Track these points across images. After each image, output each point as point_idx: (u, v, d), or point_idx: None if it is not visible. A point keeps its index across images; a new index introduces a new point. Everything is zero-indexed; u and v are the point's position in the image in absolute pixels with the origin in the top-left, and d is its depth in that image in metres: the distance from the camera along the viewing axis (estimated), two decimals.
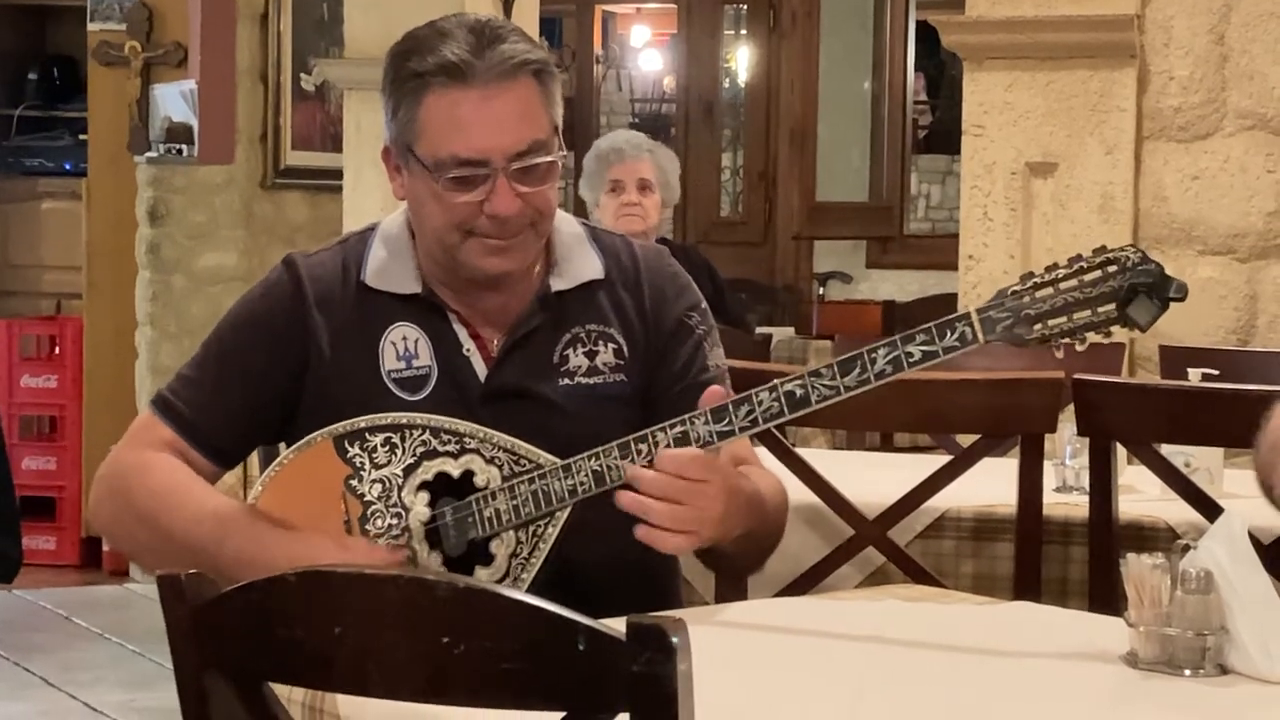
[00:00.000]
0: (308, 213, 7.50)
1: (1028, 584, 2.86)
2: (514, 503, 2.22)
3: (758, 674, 1.94)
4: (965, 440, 3.10)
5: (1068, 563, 2.97)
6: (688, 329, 2.42)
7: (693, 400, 2.24)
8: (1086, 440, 2.94)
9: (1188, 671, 1.87)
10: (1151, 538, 2.89)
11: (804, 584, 2.87)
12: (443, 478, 2.25)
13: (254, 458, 2.64)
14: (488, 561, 2.24)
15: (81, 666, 5.93)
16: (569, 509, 2.21)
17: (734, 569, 2.54)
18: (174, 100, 7.43)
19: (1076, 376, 2.91)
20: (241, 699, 1.57)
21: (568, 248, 2.40)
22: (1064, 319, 2.03)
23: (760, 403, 2.14)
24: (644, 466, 2.15)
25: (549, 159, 2.30)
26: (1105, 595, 2.76)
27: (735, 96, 10.62)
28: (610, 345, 2.39)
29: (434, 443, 2.25)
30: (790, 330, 8.17)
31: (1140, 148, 4.73)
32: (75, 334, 7.65)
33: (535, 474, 2.21)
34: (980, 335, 2.06)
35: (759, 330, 6.33)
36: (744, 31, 10.40)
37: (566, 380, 2.36)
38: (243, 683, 1.57)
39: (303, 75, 7.32)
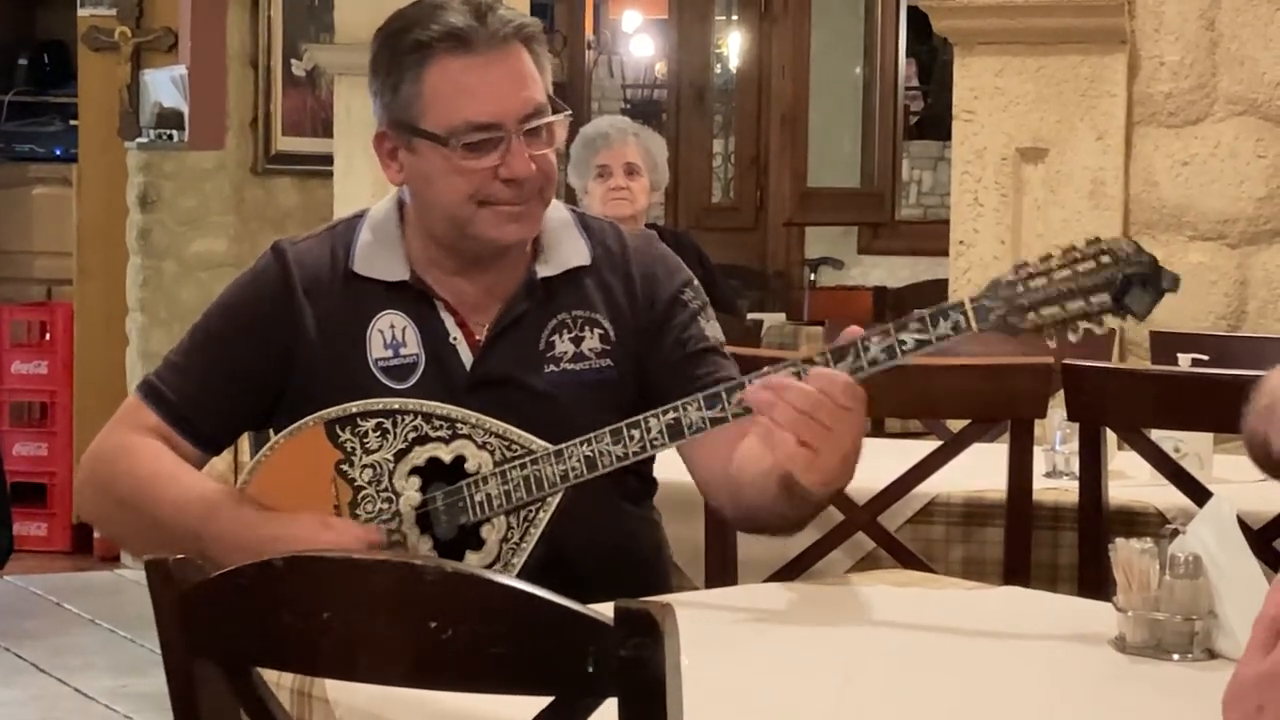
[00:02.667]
0: (298, 198, 7.50)
1: (1017, 569, 2.86)
2: (505, 487, 2.22)
3: (747, 659, 1.94)
4: (955, 425, 3.10)
5: (1057, 548, 2.98)
6: (682, 303, 2.43)
7: (692, 371, 2.25)
8: (1076, 425, 2.94)
9: (1176, 656, 1.88)
10: (1141, 523, 2.90)
11: (794, 569, 2.86)
12: (434, 463, 2.25)
13: (244, 443, 2.64)
14: (478, 546, 2.24)
15: (72, 652, 5.93)
16: (560, 494, 2.21)
17: (797, 521, 2.37)
18: (164, 86, 7.42)
19: (1066, 362, 2.91)
20: (230, 684, 1.57)
21: (555, 234, 2.41)
22: (1057, 308, 2.03)
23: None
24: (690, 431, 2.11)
25: (556, 118, 2.32)
26: (1094, 580, 2.76)
27: (726, 82, 10.62)
28: (596, 331, 2.38)
29: (426, 428, 2.25)
30: (781, 316, 8.18)
31: (1131, 133, 4.72)
32: (66, 320, 7.64)
33: (527, 459, 2.22)
34: (974, 324, 2.05)
35: (750, 316, 6.34)
36: (735, 17, 10.39)
37: (552, 367, 2.36)
38: (231, 667, 1.57)
39: (293, 60, 7.31)
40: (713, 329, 2.44)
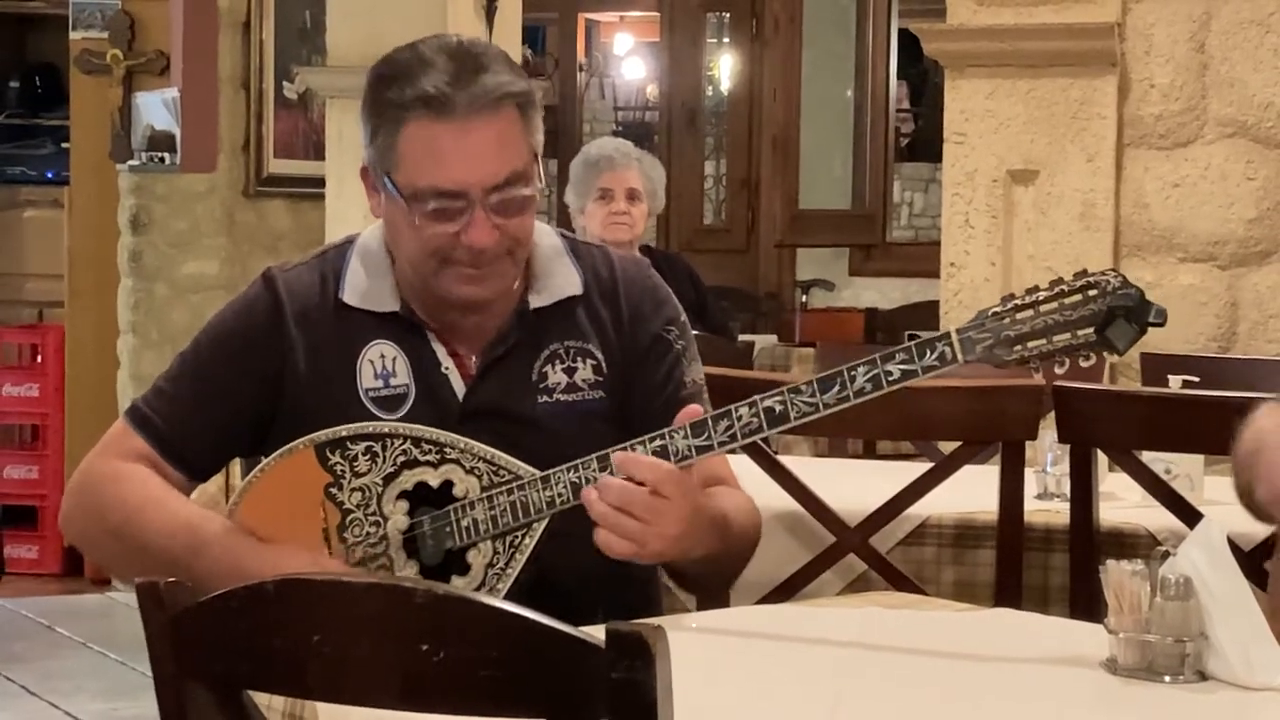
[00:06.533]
0: (290, 221, 7.49)
1: (1009, 591, 2.86)
2: (492, 513, 2.22)
3: (738, 681, 1.94)
4: (947, 447, 3.11)
5: (1048, 569, 2.98)
6: (665, 344, 2.42)
7: (671, 415, 2.24)
8: (1067, 447, 2.95)
9: (1167, 678, 1.88)
10: (1132, 544, 2.90)
11: (785, 591, 2.87)
12: (422, 487, 2.25)
13: (236, 467, 2.64)
14: (464, 571, 2.24)
15: (63, 675, 5.91)
16: (546, 520, 2.21)
17: (696, 587, 2.53)
18: (156, 108, 7.42)
19: (1057, 384, 2.91)
20: (220, 707, 1.57)
21: (547, 262, 2.40)
22: (1043, 341, 2.05)
23: (740, 418, 2.14)
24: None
25: (527, 192, 2.28)
26: (1086, 602, 2.76)
27: (718, 104, 10.63)
28: (589, 361, 2.38)
29: (414, 452, 2.25)
30: (773, 338, 8.17)
31: (1121, 155, 4.74)
32: (57, 342, 7.64)
33: (514, 485, 2.21)
34: (960, 355, 2.07)
35: (741, 338, 6.34)
36: (726, 39, 10.41)
37: (545, 398, 2.36)
38: (221, 691, 1.57)
39: (285, 83, 7.31)
40: (694, 370, 2.44)
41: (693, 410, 2.19)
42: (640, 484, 2.13)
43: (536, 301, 2.38)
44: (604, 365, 2.38)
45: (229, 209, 7.45)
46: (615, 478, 2.14)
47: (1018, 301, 2.06)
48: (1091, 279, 2.04)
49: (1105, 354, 2.04)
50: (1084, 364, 2.06)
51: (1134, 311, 2.02)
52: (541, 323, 2.38)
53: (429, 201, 2.25)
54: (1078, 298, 2.04)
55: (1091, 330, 2.02)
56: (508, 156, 2.26)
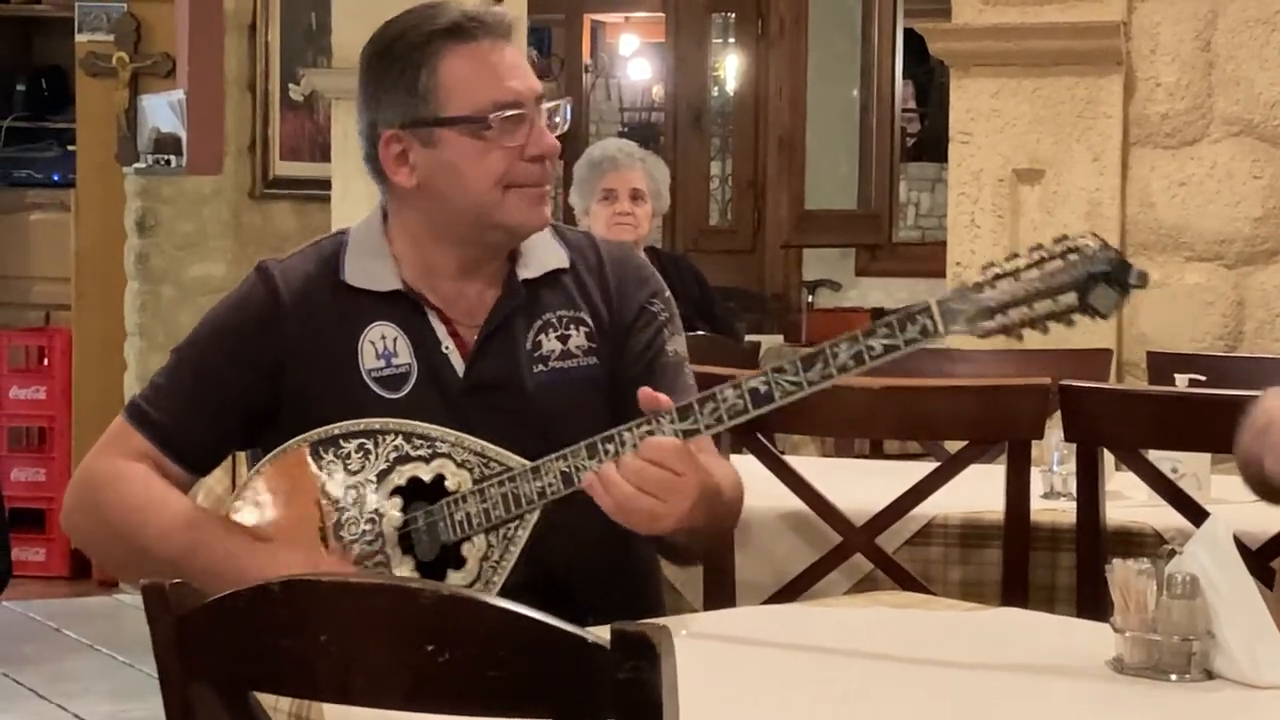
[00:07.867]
0: (296, 223, 7.50)
1: (1015, 590, 2.86)
2: (484, 506, 2.22)
3: (744, 681, 1.94)
4: (953, 447, 3.10)
5: (1055, 569, 2.98)
6: (650, 314, 2.45)
7: (652, 381, 2.25)
8: (1074, 446, 2.94)
9: (1174, 676, 1.88)
10: (1138, 543, 2.90)
11: (792, 591, 2.87)
12: (415, 482, 2.25)
13: (243, 466, 2.64)
14: (459, 565, 2.24)
15: (71, 678, 5.92)
16: (538, 511, 2.21)
17: (683, 558, 2.54)
18: (162, 111, 7.43)
19: (1064, 383, 2.91)
20: (226, 708, 1.57)
21: (532, 240, 2.43)
22: (1025, 309, 2.02)
23: (725, 400, 2.14)
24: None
25: (567, 99, 2.41)
26: (1092, 601, 2.76)
27: (724, 105, 10.63)
28: (582, 329, 2.41)
29: (406, 447, 2.26)
30: (779, 338, 8.17)
31: (1127, 154, 4.73)
32: (64, 345, 7.64)
33: (504, 476, 2.22)
34: (941, 326, 2.04)
35: (748, 338, 6.33)
36: (732, 40, 10.40)
37: (541, 366, 2.38)
38: (228, 692, 1.57)
39: (291, 85, 7.31)
40: (676, 343, 2.46)
41: (647, 393, 2.17)
42: (654, 463, 2.13)
43: (525, 274, 2.41)
44: (595, 332, 2.41)
45: (235, 211, 7.46)
46: (632, 459, 2.13)
47: (998, 270, 2.03)
48: (1071, 243, 2.01)
49: (1090, 319, 2.01)
50: (1067, 328, 2.03)
51: (1114, 274, 1.99)
52: (532, 293, 2.41)
53: (495, 112, 2.31)
54: (1058, 263, 2.01)
55: (1074, 295, 1.99)
56: (533, 72, 2.38)
